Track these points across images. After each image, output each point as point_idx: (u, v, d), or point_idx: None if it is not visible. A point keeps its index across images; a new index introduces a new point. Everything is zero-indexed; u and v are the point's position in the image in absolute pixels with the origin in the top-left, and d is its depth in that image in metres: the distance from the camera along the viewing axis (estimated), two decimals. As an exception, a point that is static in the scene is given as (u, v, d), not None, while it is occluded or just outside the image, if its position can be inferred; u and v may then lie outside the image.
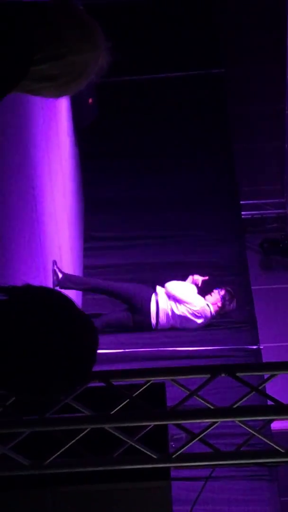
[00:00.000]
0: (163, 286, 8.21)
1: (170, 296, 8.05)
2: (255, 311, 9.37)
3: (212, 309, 8.03)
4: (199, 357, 8.02)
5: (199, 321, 8.09)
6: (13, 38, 1.58)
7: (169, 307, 8.05)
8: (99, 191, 10.07)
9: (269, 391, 3.65)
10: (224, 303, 7.98)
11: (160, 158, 10.21)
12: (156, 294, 8.09)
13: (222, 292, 8.02)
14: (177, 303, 8.03)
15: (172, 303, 8.03)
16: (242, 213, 10.57)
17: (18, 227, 5.51)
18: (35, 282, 1.91)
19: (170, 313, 8.02)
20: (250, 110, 11.02)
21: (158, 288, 8.16)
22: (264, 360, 8.70)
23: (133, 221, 9.88)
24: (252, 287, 9.65)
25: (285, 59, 10.74)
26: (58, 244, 7.57)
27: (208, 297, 8.17)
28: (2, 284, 1.84)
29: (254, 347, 8.99)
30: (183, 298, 8.00)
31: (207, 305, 8.11)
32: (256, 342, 9.10)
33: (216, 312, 7.99)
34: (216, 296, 8.01)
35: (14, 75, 1.62)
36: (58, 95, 1.75)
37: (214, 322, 9.11)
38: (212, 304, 8.08)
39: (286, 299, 10.62)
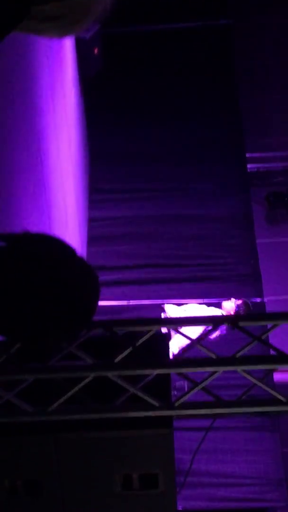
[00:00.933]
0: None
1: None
2: (259, 264, 9.39)
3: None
4: (203, 309, 8.02)
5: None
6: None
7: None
8: (104, 143, 10.01)
9: (271, 343, 3.66)
10: (237, 312, 7.61)
11: (166, 110, 10.13)
12: (165, 313, 7.78)
13: (239, 302, 7.64)
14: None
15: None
16: (248, 166, 10.51)
17: (22, 179, 5.48)
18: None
19: None
20: (257, 62, 10.88)
21: (167, 306, 7.83)
22: (267, 314, 8.72)
23: (138, 173, 9.84)
24: (257, 241, 9.64)
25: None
26: (63, 196, 7.54)
27: (224, 302, 7.85)
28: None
29: (258, 300, 9.01)
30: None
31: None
32: (260, 295, 9.13)
33: None
34: (231, 304, 7.65)
35: (15, 13, 1.59)
36: (61, 35, 1.72)
37: (219, 275, 9.12)
38: (226, 311, 7.70)
39: (291, 253, 10.59)
